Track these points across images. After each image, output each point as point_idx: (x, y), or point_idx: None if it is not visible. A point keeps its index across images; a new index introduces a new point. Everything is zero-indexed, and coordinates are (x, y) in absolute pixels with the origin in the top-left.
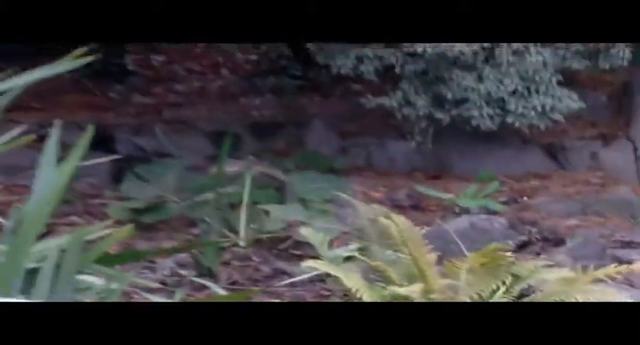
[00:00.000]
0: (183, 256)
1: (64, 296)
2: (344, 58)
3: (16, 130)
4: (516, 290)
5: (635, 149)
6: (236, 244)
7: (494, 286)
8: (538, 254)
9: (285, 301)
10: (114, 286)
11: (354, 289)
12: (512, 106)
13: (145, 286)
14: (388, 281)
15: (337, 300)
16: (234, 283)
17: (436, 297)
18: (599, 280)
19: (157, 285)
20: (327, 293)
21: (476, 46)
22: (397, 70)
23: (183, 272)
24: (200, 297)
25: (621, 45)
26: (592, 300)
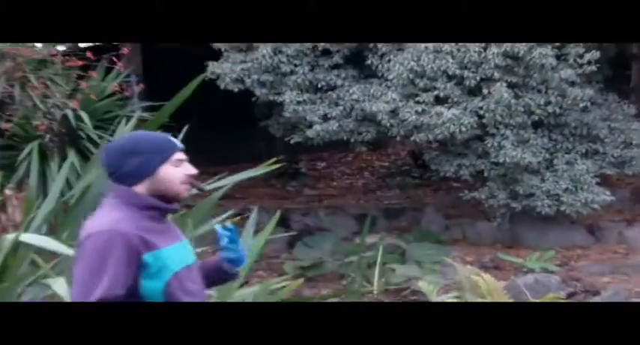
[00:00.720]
0: (334, 300)
1: None
2: (448, 165)
3: (227, 214)
4: None
5: None
6: (371, 292)
7: None
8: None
9: None
10: None
11: None
12: (564, 199)
13: None
14: None
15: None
16: None
17: None
18: None
19: None
20: None
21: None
22: (485, 173)
23: None
24: None
25: None
26: None
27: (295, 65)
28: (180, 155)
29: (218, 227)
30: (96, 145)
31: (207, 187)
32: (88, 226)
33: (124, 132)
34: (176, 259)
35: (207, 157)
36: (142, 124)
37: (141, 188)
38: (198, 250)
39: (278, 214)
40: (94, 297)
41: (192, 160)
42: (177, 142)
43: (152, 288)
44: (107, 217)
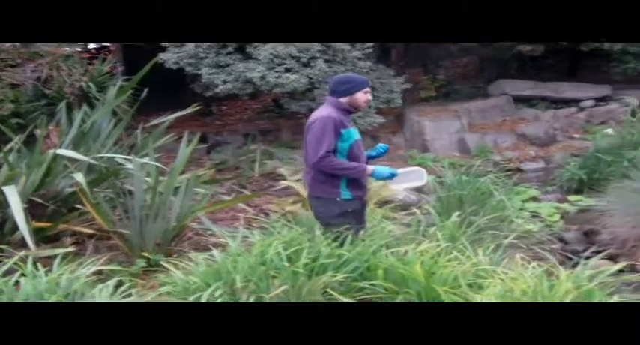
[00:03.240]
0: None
1: (190, 196)
2: (294, 105)
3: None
4: None
5: None
6: (254, 175)
7: None
8: None
9: None
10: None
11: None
12: (357, 121)
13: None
14: None
15: None
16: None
17: None
18: None
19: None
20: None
21: None
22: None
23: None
24: None
25: None
26: None
27: (207, 53)
28: (367, 89)
29: (382, 146)
30: (97, 100)
31: (160, 120)
32: (315, 115)
33: (112, 94)
34: (354, 134)
35: (159, 106)
36: (121, 89)
37: (344, 100)
38: (156, 155)
39: (199, 134)
40: (322, 150)
41: (152, 107)
42: (369, 81)
43: (343, 147)
44: (325, 111)
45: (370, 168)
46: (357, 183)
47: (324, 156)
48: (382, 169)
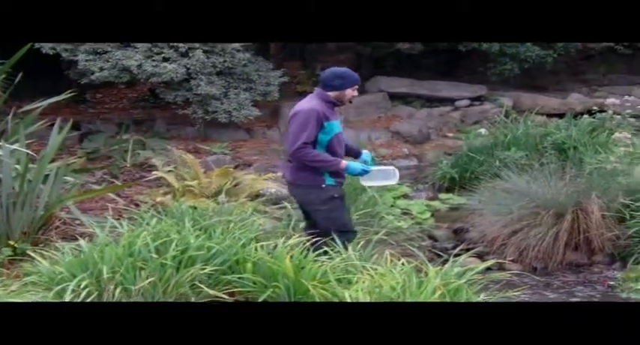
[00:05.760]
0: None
1: (60, 184)
2: (170, 95)
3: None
4: None
5: None
6: (126, 165)
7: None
8: None
9: None
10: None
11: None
12: (234, 114)
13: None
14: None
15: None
16: None
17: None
18: None
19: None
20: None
21: None
22: (190, 99)
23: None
24: None
25: None
26: None
27: None
28: (356, 86)
29: (366, 155)
30: None
31: (32, 106)
32: (299, 106)
33: None
34: (335, 127)
35: (34, 92)
36: None
37: (331, 93)
38: (28, 141)
39: (71, 122)
40: (300, 141)
41: (27, 93)
42: (358, 78)
43: (323, 139)
44: (310, 103)
45: (344, 163)
46: (336, 170)
47: (301, 147)
48: (355, 164)
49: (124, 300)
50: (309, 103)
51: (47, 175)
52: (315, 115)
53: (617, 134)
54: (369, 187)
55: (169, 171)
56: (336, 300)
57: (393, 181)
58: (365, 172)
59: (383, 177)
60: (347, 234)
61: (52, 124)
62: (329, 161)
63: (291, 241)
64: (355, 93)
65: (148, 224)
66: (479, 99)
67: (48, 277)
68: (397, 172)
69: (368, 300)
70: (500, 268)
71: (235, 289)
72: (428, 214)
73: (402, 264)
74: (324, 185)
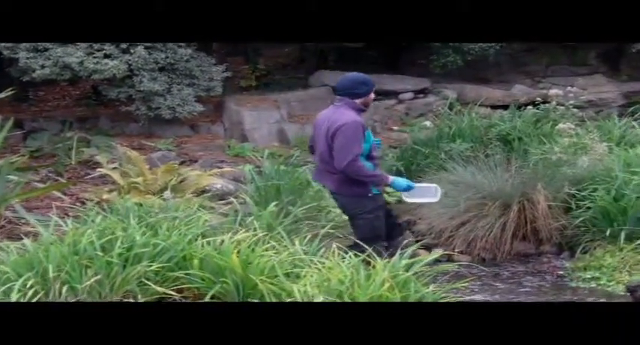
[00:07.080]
0: None
1: (3, 183)
2: (113, 92)
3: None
4: None
5: None
6: (71, 162)
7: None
8: None
9: None
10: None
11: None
12: (178, 110)
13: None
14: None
15: None
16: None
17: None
18: None
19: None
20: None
21: None
22: (133, 96)
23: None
24: None
25: None
26: None
27: None
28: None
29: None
30: None
31: None
32: (341, 120)
33: None
34: (370, 135)
35: None
36: None
37: (358, 101)
38: None
39: (12, 119)
40: (352, 155)
41: None
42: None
43: (365, 148)
44: (350, 115)
45: (391, 178)
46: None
47: (353, 160)
48: (400, 180)
49: (70, 298)
50: (348, 116)
51: None
52: (361, 128)
53: (561, 125)
54: (410, 201)
55: (114, 168)
56: (284, 294)
57: (434, 199)
58: (409, 188)
59: (425, 194)
60: (382, 242)
61: None
62: (377, 176)
63: (238, 237)
64: (373, 96)
65: (93, 222)
66: (423, 92)
67: None
68: (439, 189)
69: (317, 293)
70: (449, 259)
71: (183, 286)
72: None
73: (350, 257)
74: (371, 194)
